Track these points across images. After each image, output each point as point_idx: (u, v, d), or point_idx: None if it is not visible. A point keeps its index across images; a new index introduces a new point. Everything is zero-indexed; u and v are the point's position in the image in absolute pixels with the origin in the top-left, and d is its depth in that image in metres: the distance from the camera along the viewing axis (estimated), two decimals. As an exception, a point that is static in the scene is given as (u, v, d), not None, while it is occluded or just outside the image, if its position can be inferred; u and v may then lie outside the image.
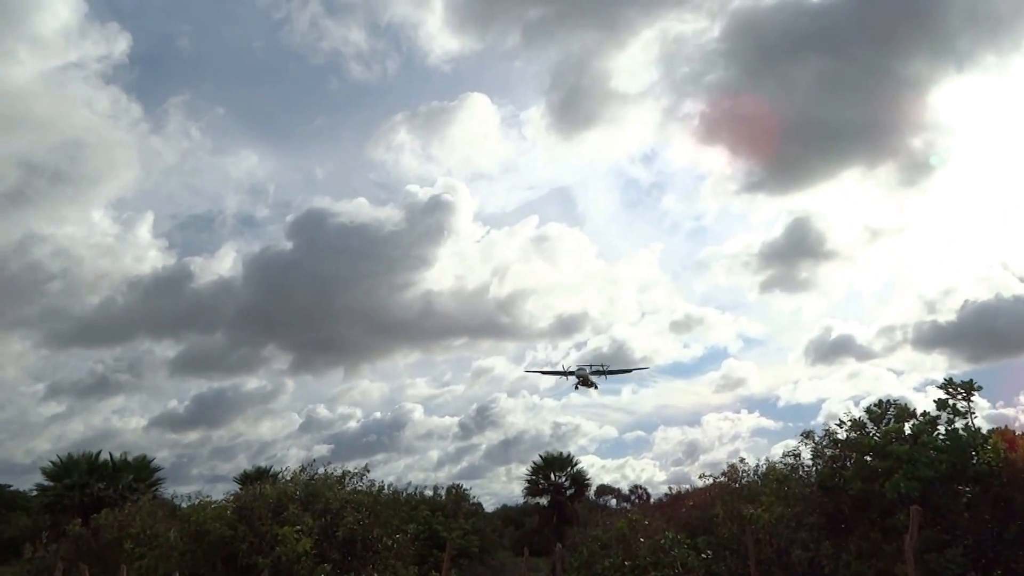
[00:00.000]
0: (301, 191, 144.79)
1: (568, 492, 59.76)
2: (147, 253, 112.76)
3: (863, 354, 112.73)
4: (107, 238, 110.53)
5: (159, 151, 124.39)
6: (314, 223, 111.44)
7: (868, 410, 28.29)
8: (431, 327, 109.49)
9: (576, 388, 77.06)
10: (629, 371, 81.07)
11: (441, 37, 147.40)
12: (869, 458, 25.60)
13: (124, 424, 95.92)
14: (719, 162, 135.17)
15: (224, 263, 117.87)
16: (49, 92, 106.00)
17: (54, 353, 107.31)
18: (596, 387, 77.13)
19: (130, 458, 42.20)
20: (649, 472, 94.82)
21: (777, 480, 29.01)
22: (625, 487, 79.09)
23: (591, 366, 75.15)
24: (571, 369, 74.76)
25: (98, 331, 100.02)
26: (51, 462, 40.89)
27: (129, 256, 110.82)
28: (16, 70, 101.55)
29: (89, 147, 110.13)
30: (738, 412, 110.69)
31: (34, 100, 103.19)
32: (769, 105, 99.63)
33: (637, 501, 73.55)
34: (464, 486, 57.64)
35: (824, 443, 28.49)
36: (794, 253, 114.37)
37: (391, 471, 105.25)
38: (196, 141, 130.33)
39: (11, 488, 60.90)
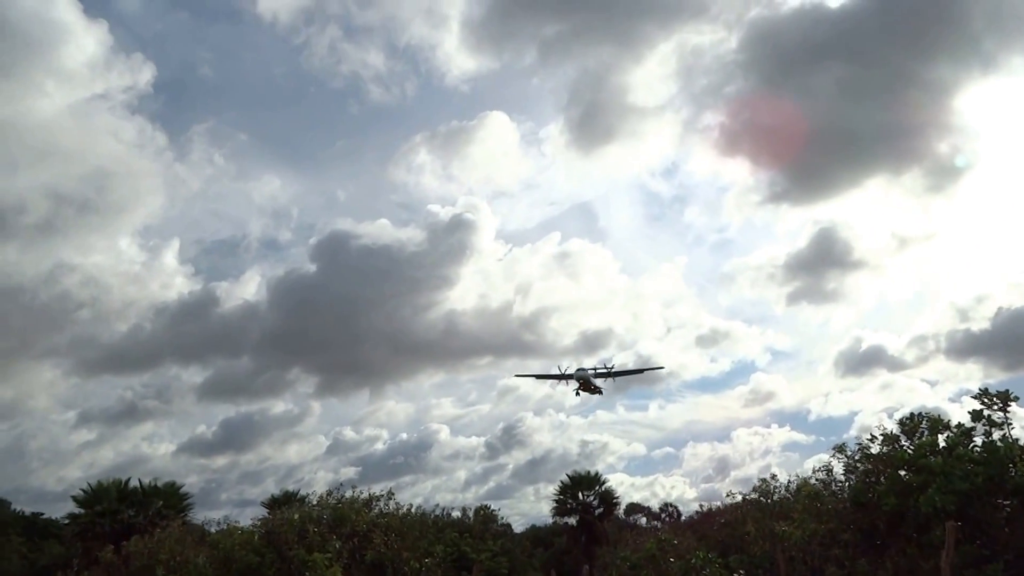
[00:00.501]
0: (324, 214, 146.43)
1: (597, 511, 58.96)
2: (173, 279, 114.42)
3: (895, 365, 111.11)
4: (134, 266, 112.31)
5: (184, 178, 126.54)
6: (337, 245, 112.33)
7: (901, 423, 27.78)
8: (455, 346, 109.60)
9: (577, 394, 69.64)
10: (640, 371, 73.42)
11: (458, 57, 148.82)
12: (903, 472, 25.08)
13: (153, 450, 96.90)
14: (741, 173, 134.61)
15: (249, 287, 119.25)
16: (76, 124, 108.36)
17: (84, 381, 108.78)
18: (600, 392, 70.15)
19: (159, 484, 42.36)
20: (679, 489, 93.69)
21: (809, 496, 28.55)
22: (655, 505, 78.10)
23: (596, 368, 67.78)
24: (568, 371, 66.91)
25: (126, 358, 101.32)
26: (82, 490, 41.14)
27: (156, 283, 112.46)
28: (44, 103, 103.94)
29: (116, 176, 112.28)
30: (768, 427, 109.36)
31: (62, 132, 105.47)
32: (790, 114, 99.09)
33: (667, 519, 72.68)
34: (492, 507, 57.47)
35: (857, 457, 28.01)
36: (821, 263, 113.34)
37: (418, 492, 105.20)
38: (220, 167, 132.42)
39: (43, 516, 61.49)
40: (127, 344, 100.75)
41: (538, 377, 72.56)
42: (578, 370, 67.22)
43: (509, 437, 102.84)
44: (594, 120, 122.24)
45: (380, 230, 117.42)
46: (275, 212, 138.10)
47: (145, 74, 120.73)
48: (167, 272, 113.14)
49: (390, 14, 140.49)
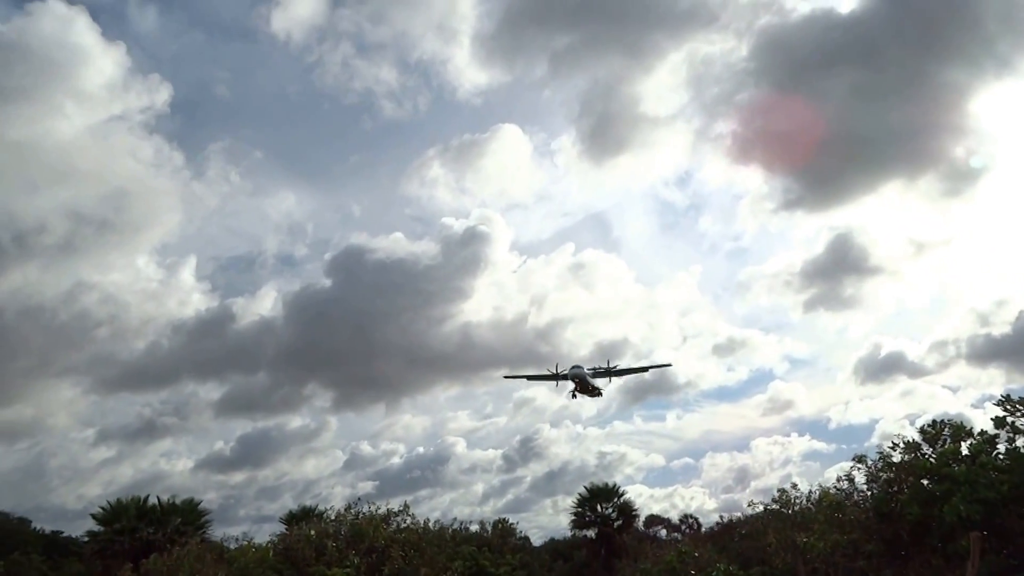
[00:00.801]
0: (339, 229, 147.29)
1: (616, 523, 58.50)
2: (190, 296, 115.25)
3: (915, 371, 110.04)
4: (152, 283, 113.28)
5: (201, 196, 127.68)
6: (352, 260, 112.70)
7: (922, 430, 27.45)
8: (471, 359, 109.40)
9: (573, 396, 65.99)
10: (643, 369, 68.29)
11: (470, 71, 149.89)
12: (926, 481, 24.77)
13: (172, 467, 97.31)
14: (755, 181, 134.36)
15: (265, 303, 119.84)
16: (95, 144, 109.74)
17: (103, 398, 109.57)
18: (599, 393, 66.39)
19: (178, 501, 42.48)
20: (699, 500, 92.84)
21: (831, 506, 28.22)
22: (675, 516, 77.30)
23: (596, 367, 63.61)
24: (563, 372, 62.44)
25: (144, 375, 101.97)
26: (101, 508, 41.32)
27: (173, 300, 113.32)
28: (64, 124, 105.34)
29: (134, 196, 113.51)
30: (788, 435, 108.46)
31: (81, 153, 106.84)
32: (803, 121, 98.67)
33: (688, 531, 71.92)
34: (510, 520, 57.29)
35: (878, 466, 27.67)
36: (837, 270, 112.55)
37: (436, 506, 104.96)
38: (236, 185, 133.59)
39: (63, 535, 61.87)
40: (145, 361, 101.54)
41: (530, 378, 68.32)
42: (573, 368, 62.92)
43: (526, 449, 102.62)
44: (606, 130, 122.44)
45: (395, 244, 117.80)
46: (290, 228, 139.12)
47: (162, 94, 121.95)
48: (184, 289, 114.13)
49: (401, 30, 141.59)
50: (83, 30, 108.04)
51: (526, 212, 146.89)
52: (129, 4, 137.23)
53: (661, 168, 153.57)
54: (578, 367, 63.05)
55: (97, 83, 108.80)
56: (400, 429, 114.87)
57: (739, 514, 50.81)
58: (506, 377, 71.07)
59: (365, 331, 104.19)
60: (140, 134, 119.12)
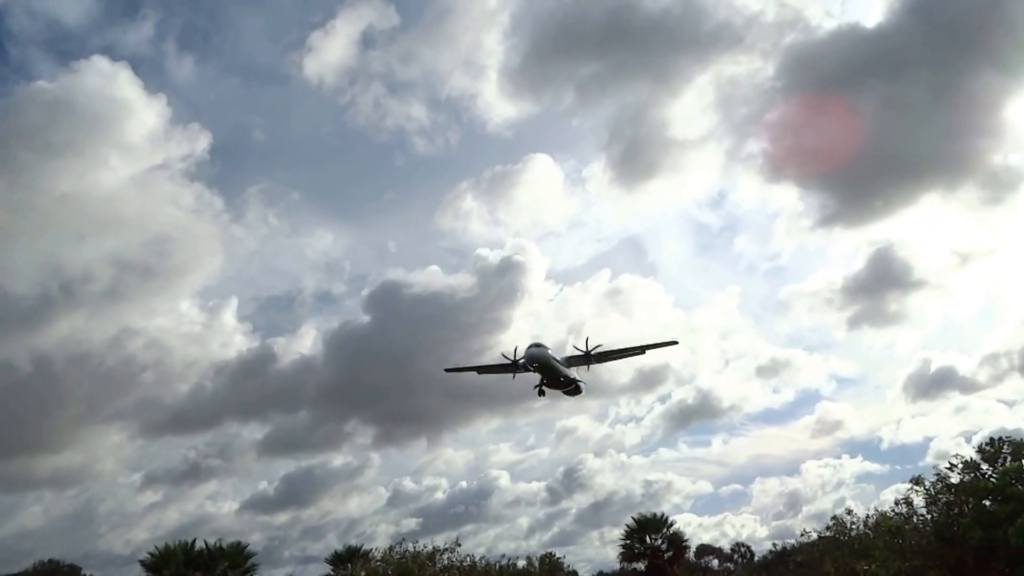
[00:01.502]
0: (375, 265, 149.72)
1: (667, 555, 57.28)
2: (232, 338, 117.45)
3: (968, 386, 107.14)
4: (195, 327, 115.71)
5: (240, 239, 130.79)
6: (389, 295, 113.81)
7: (980, 448, 26.53)
8: (510, 390, 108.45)
9: (540, 393, 56.21)
10: (638, 351, 57.67)
11: (498, 105, 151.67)
12: (988, 502, 23.80)
13: (217, 509, 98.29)
14: (790, 198, 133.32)
15: (305, 341, 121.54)
16: (138, 194, 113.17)
17: (149, 443, 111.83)
18: (578, 389, 57.46)
19: (224, 544, 42.60)
20: (750, 528, 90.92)
21: (890, 531, 27.27)
22: (726, 545, 75.69)
23: (588, 350, 52.94)
24: (520, 358, 52.69)
25: (189, 418, 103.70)
26: (149, 553, 41.62)
27: (216, 342, 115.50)
28: (108, 175, 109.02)
29: (176, 241, 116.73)
30: (839, 457, 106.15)
31: (125, 202, 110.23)
32: (835, 136, 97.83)
33: (740, 560, 70.30)
34: (557, 554, 56.46)
35: (937, 488, 26.71)
36: (880, 285, 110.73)
37: (481, 542, 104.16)
38: (274, 226, 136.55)
39: (113, 582, 62.26)
40: (189, 404, 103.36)
41: (481, 371, 58.80)
42: (531, 347, 52.24)
43: (570, 480, 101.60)
44: (636, 155, 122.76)
45: (431, 277, 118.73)
46: (328, 266, 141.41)
47: (202, 142, 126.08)
48: (226, 331, 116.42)
49: (430, 68, 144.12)
50: (125, 84, 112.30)
51: (560, 240, 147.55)
52: (167, 56, 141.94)
53: (694, 190, 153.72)
54: (537, 346, 52.92)
55: (140, 135, 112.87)
56: (442, 464, 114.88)
57: (793, 541, 49.55)
58: (448, 371, 61.34)
59: (404, 366, 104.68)
60: (181, 181, 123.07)
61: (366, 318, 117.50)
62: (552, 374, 53.80)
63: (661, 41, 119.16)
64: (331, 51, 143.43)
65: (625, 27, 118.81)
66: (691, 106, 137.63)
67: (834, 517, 33.69)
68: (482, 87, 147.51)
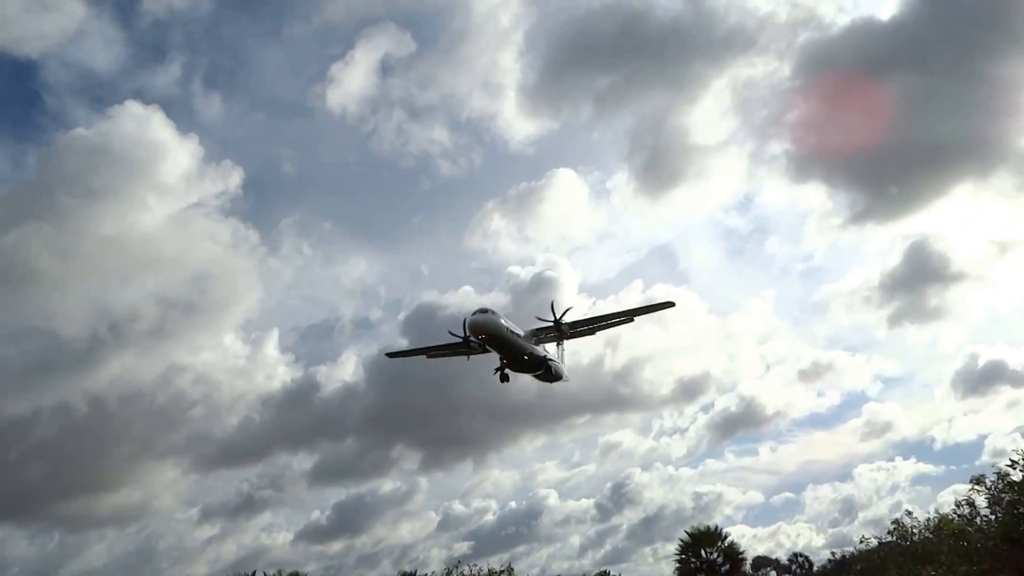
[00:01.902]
0: (409, 288, 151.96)
1: (723, 568, 56.53)
2: (276, 369, 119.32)
3: (1019, 380, 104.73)
4: (239, 360, 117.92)
5: (277, 271, 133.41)
6: (425, 318, 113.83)
7: (1042, 445, 25.86)
8: (552, 408, 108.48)
9: (503, 378, 50.75)
10: (623, 317, 50.33)
11: (518, 123, 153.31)
12: (1056, 500, 23.24)
13: (272, 540, 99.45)
14: (818, 197, 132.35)
15: (347, 368, 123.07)
16: (177, 232, 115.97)
17: (203, 477, 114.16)
18: (555, 373, 51.65)
19: (284, 576, 43.05)
20: (806, 537, 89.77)
21: (953, 534, 26.68)
22: (783, 556, 74.43)
23: (556, 318, 46.45)
24: (467, 336, 46.09)
25: (239, 451, 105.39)
26: (210, 590, 42.04)
27: (260, 374, 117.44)
28: (147, 217, 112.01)
29: (216, 277, 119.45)
30: (892, 460, 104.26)
31: (165, 242, 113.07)
32: (859, 131, 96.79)
33: (798, 571, 69.05)
34: (611, 572, 56.00)
35: (999, 487, 26.14)
36: (918, 280, 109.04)
37: (534, 563, 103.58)
38: (309, 256, 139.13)
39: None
40: (239, 437, 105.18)
41: (429, 354, 53.77)
42: (474, 314, 44.17)
43: (619, 496, 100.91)
44: (659, 164, 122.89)
45: (464, 298, 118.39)
46: (364, 292, 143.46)
47: (234, 178, 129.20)
48: (270, 363, 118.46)
49: (449, 91, 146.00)
50: (159, 127, 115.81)
51: (590, 253, 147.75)
52: (195, 96, 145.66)
53: (719, 195, 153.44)
54: (482, 311, 44.84)
55: (175, 175, 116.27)
56: (490, 485, 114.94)
57: (852, 549, 48.67)
58: (390, 355, 57.81)
59: (445, 388, 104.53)
60: (217, 218, 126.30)
61: (404, 342, 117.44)
62: (510, 350, 46.92)
63: (675, 48, 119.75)
64: (352, 81, 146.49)
65: (638, 37, 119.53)
66: (710, 111, 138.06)
67: (895, 521, 33.18)
68: (501, 106, 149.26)
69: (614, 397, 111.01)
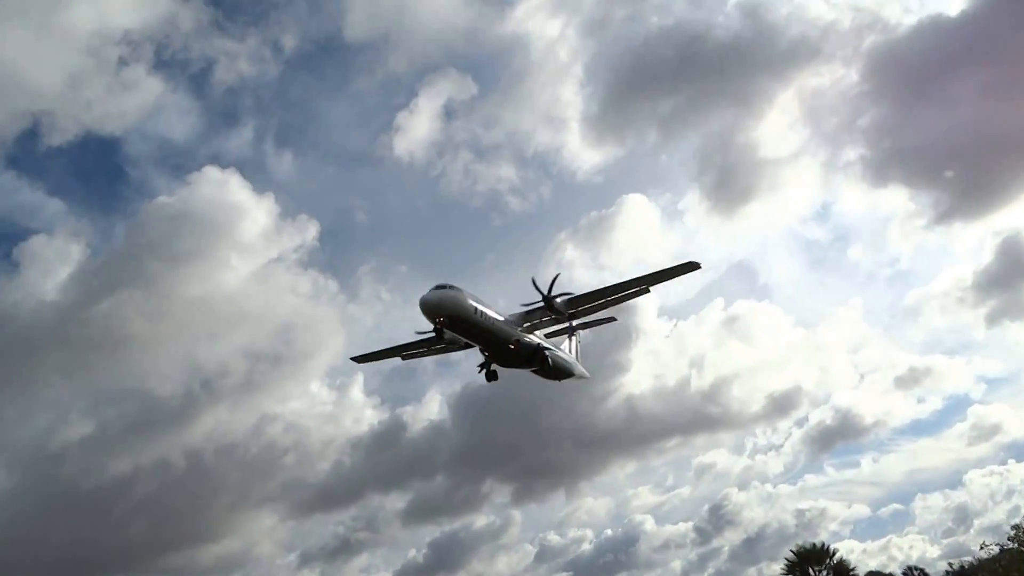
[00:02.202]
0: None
1: (835, 586, 54.97)
2: (363, 412, 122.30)
3: None
4: (327, 406, 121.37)
5: (357, 317, 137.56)
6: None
7: None
8: (640, 432, 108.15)
9: (490, 376, 44.40)
10: (636, 288, 44.29)
11: (584, 153, 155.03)
12: None
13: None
14: (899, 200, 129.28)
15: (432, 407, 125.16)
16: (260, 288, 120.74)
17: (299, 522, 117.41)
18: (555, 367, 43.67)
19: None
20: (919, 548, 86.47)
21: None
22: (896, 570, 72.24)
23: (547, 294, 39.27)
24: (443, 333, 38.58)
25: (333, 495, 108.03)
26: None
27: (348, 418, 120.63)
28: (230, 275, 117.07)
29: (299, 328, 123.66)
30: (1004, 463, 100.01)
31: (248, 298, 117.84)
32: (936, 129, 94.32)
33: (915, 584, 66.49)
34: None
35: None
36: (1014, 276, 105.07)
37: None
38: (387, 301, 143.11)
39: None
40: (332, 482, 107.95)
41: (404, 356, 47.30)
42: (432, 290, 36.02)
43: (717, 518, 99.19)
44: (730, 181, 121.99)
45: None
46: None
47: (310, 231, 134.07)
48: (356, 407, 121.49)
49: (513, 129, 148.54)
50: (236, 188, 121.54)
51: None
52: (268, 155, 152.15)
53: (796, 206, 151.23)
54: (440, 287, 37.18)
55: (254, 233, 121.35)
56: (583, 514, 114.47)
57: (971, 559, 46.88)
58: (355, 359, 53.08)
59: (530, 420, 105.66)
60: (297, 271, 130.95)
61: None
62: (487, 337, 39.30)
63: (736, 66, 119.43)
64: (417, 128, 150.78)
65: (698, 58, 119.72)
66: (777, 124, 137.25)
67: (1015, 526, 32.05)
68: (566, 138, 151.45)
69: (703, 417, 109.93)
